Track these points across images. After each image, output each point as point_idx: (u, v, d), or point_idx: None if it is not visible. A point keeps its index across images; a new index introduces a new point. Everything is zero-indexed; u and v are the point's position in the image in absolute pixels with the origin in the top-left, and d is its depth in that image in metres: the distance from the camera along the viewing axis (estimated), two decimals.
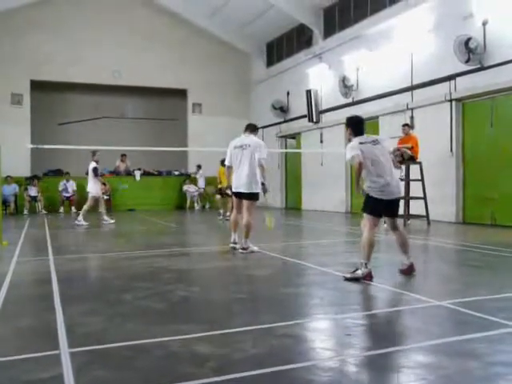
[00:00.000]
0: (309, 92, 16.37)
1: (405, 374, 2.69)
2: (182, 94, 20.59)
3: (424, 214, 10.85)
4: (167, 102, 20.87)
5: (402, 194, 5.23)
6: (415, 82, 12.47)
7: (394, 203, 5.22)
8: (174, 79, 19.78)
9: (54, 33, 18.14)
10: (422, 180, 10.81)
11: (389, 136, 11.31)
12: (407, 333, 3.50)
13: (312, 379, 2.61)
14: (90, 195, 12.22)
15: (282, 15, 17.01)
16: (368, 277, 4.92)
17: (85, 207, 12.04)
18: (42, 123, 18.38)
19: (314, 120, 16.38)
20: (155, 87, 19.80)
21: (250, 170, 7.00)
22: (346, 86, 14.84)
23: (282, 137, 19.16)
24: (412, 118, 12.50)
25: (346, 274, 5.03)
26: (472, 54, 10.54)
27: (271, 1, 16.38)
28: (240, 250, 7.14)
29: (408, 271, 5.23)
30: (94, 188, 12.21)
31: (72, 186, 17.39)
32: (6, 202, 15.84)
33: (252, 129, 7.39)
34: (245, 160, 7.04)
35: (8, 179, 16.07)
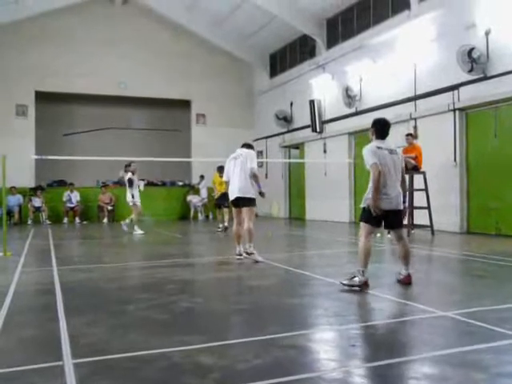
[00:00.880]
0: (312, 102, 16.42)
1: None
2: (186, 104, 20.70)
3: (428, 223, 10.83)
4: (171, 113, 20.95)
5: (401, 207, 5.24)
6: (418, 92, 12.49)
7: (391, 214, 5.15)
8: (179, 90, 19.91)
9: (60, 44, 18.31)
10: (426, 190, 10.78)
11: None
12: (412, 343, 3.48)
13: None
14: (131, 205, 12.57)
15: (285, 26, 17.11)
16: (364, 285, 4.97)
17: (133, 218, 12.52)
18: (47, 134, 18.46)
19: (318, 130, 16.41)
20: (160, 98, 19.92)
21: (244, 176, 7.23)
22: (349, 96, 14.87)
23: (285, 147, 19.21)
24: (415, 127, 12.50)
25: (343, 280, 5.09)
26: (475, 63, 10.56)
27: (274, 12, 16.50)
28: (244, 255, 7.31)
29: (405, 281, 5.23)
30: (131, 197, 12.52)
31: (76, 196, 17.51)
32: (10, 213, 15.92)
33: (247, 147, 7.61)
34: (238, 168, 7.29)
35: (13, 190, 16.15)
